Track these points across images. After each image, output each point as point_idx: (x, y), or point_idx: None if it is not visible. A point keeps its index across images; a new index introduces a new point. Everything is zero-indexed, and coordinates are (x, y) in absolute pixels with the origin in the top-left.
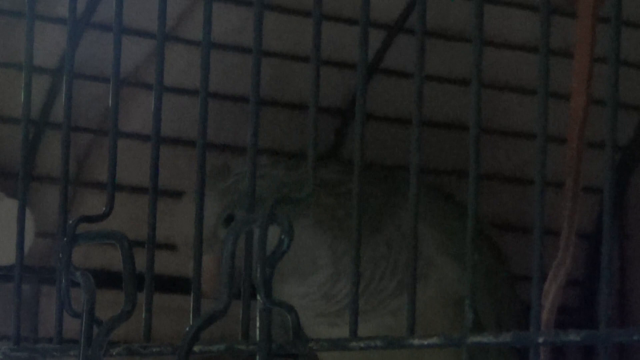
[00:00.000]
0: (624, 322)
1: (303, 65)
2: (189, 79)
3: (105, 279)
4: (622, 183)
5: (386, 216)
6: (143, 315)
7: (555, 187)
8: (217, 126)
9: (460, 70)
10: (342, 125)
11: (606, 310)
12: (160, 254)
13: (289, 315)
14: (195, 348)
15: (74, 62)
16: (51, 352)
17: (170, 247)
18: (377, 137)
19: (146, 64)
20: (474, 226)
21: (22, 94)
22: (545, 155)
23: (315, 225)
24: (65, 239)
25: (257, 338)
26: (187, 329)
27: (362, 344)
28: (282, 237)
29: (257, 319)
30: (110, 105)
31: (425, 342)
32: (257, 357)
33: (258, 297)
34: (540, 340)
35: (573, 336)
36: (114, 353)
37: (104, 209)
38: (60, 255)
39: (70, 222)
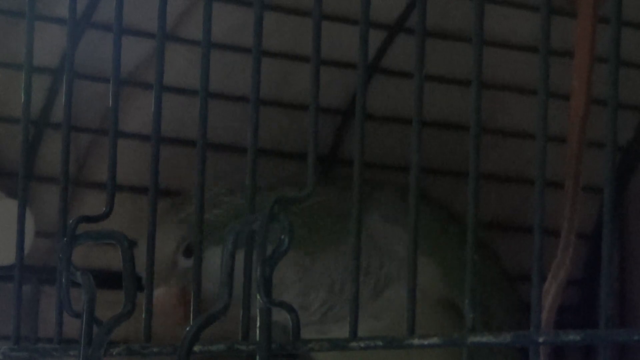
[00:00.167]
0: (624, 322)
1: (303, 65)
2: (189, 79)
3: (105, 279)
4: (622, 183)
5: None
6: (143, 315)
7: (555, 187)
8: (217, 126)
9: (460, 70)
10: (342, 125)
11: (606, 310)
12: None
13: (289, 315)
14: (195, 348)
15: (74, 62)
16: (51, 352)
17: None
18: (377, 137)
19: (146, 64)
20: (474, 226)
21: (22, 94)
22: (545, 155)
23: None
24: (65, 239)
25: (257, 338)
26: (187, 329)
27: (362, 344)
28: (282, 237)
29: (257, 319)
30: (110, 105)
31: (425, 342)
32: (257, 357)
33: (258, 297)
34: (540, 340)
35: (573, 336)
36: (114, 353)
37: (104, 209)
38: (60, 255)
39: (70, 222)
